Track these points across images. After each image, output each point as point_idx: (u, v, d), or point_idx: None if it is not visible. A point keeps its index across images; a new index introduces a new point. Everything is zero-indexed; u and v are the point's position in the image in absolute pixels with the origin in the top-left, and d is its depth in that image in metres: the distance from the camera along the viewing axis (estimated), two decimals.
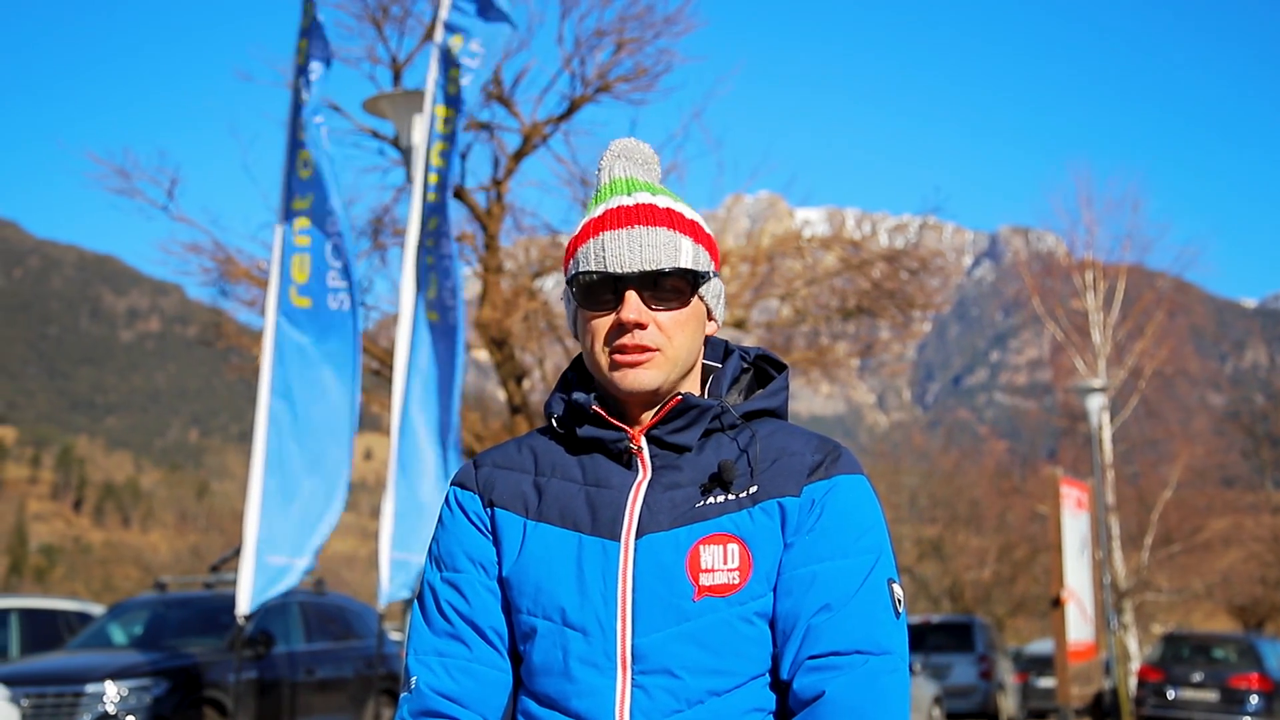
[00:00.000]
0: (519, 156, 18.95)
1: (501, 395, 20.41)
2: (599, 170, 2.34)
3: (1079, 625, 16.87)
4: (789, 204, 25.43)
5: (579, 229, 2.24)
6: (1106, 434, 30.61)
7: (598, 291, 2.17)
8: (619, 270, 2.14)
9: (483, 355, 20.11)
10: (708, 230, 2.26)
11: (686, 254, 2.17)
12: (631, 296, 2.14)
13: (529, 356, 20.37)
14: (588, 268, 2.17)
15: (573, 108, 18.83)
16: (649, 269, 2.14)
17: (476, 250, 18.92)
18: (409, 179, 12.18)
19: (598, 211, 2.23)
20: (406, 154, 12.19)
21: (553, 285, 22.46)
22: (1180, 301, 34.01)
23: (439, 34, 10.37)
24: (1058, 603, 16.16)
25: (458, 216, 18.41)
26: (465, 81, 10.26)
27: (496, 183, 18.88)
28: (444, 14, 10.34)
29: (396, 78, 18.76)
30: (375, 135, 18.83)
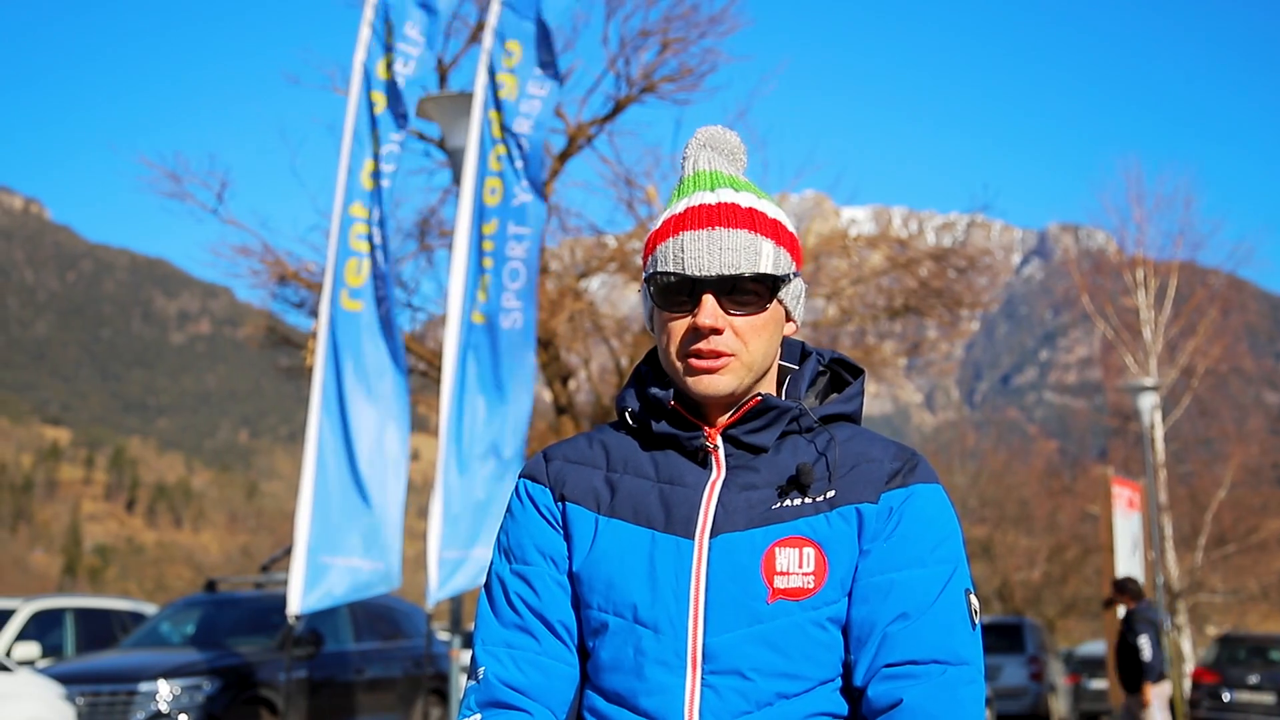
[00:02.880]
0: (564, 157, 18.98)
1: (547, 396, 20.45)
2: (683, 158, 2.28)
3: None
4: (835, 203, 25.39)
5: (659, 224, 2.20)
6: (1159, 433, 30.35)
7: (675, 293, 2.13)
8: (697, 273, 2.10)
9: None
10: (791, 229, 2.22)
11: (767, 258, 2.12)
12: (708, 301, 2.10)
13: (574, 357, 20.40)
14: (665, 268, 2.13)
15: (617, 108, 18.84)
16: (727, 273, 2.09)
17: None
18: (455, 181, 12.21)
19: (679, 208, 2.18)
20: (453, 156, 12.20)
21: (598, 286, 22.48)
22: (1234, 299, 33.63)
23: (487, 39, 10.38)
24: (1109, 604, 16.04)
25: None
26: (538, 91, 10.28)
27: (542, 183, 18.92)
28: (492, 20, 10.34)
29: (442, 80, 18.83)
30: (421, 137, 18.91)
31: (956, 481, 43.93)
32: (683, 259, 2.11)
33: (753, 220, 2.14)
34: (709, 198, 2.17)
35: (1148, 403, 23.12)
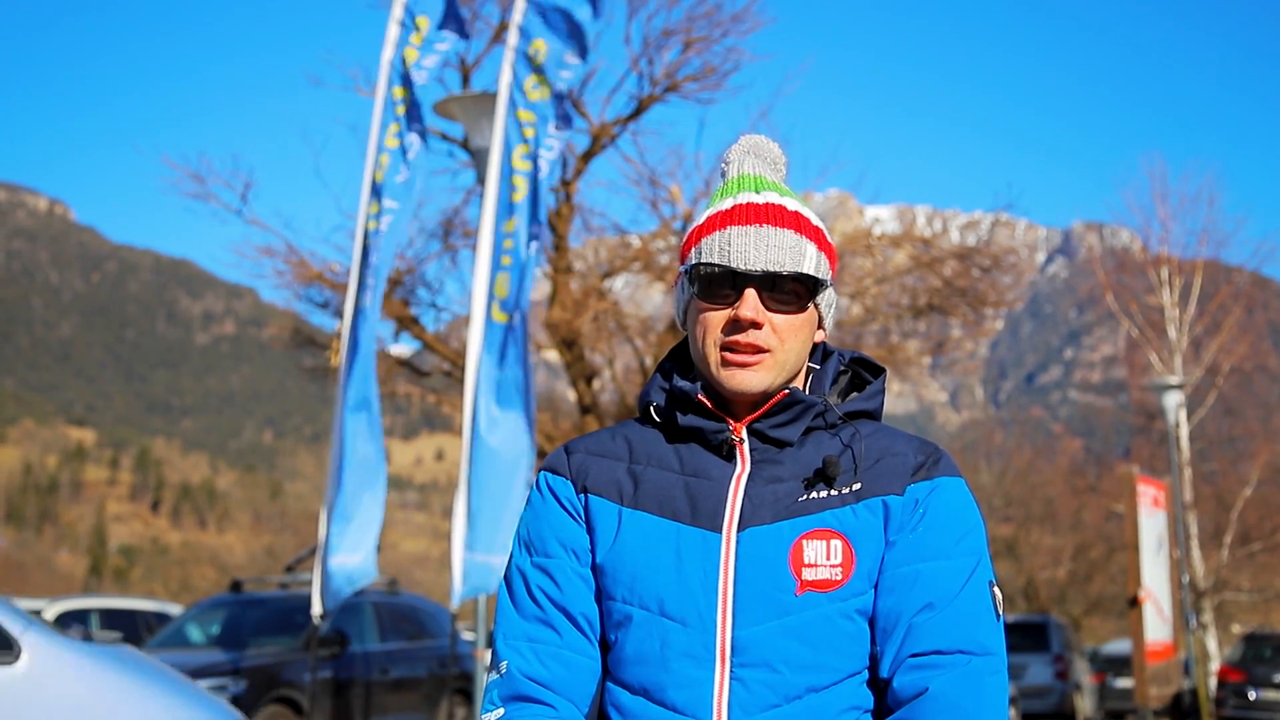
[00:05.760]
0: (588, 157, 18.97)
1: (571, 396, 20.46)
2: (725, 163, 2.33)
3: (1156, 625, 16.66)
4: (858, 202, 25.27)
5: (703, 219, 2.23)
6: (1183, 431, 30.21)
7: (717, 285, 2.16)
8: (742, 267, 2.13)
9: (552, 356, 20.20)
10: (830, 239, 2.26)
11: (810, 260, 2.16)
12: (751, 294, 2.13)
13: (598, 357, 20.39)
14: (710, 260, 2.16)
15: (641, 108, 18.83)
16: (772, 269, 2.13)
17: (546, 251, 18.98)
18: (479, 181, 12.22)
19: (725, 204, 2.21)
20: (476, 156, 12.21)
21: (622, 285, 22.47)
22: (1258, 296, 33.43)
23: (512, 37, 10.38)
24: (1135, 602, 15.97)
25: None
26: (560, 86, 10.25)
27: (565, 184, 18.92)
28: (518, 18, 10.34)
29: (465, 79, 18.85)
30: (444, 138, 18.92)
31: (982, 480, 43.83)
32: (729, 252, 2.14)
33: (798, 223, 2.18)
34: (756, 198, 2.20)
35: (1173, 401, 23.02)
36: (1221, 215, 46.80)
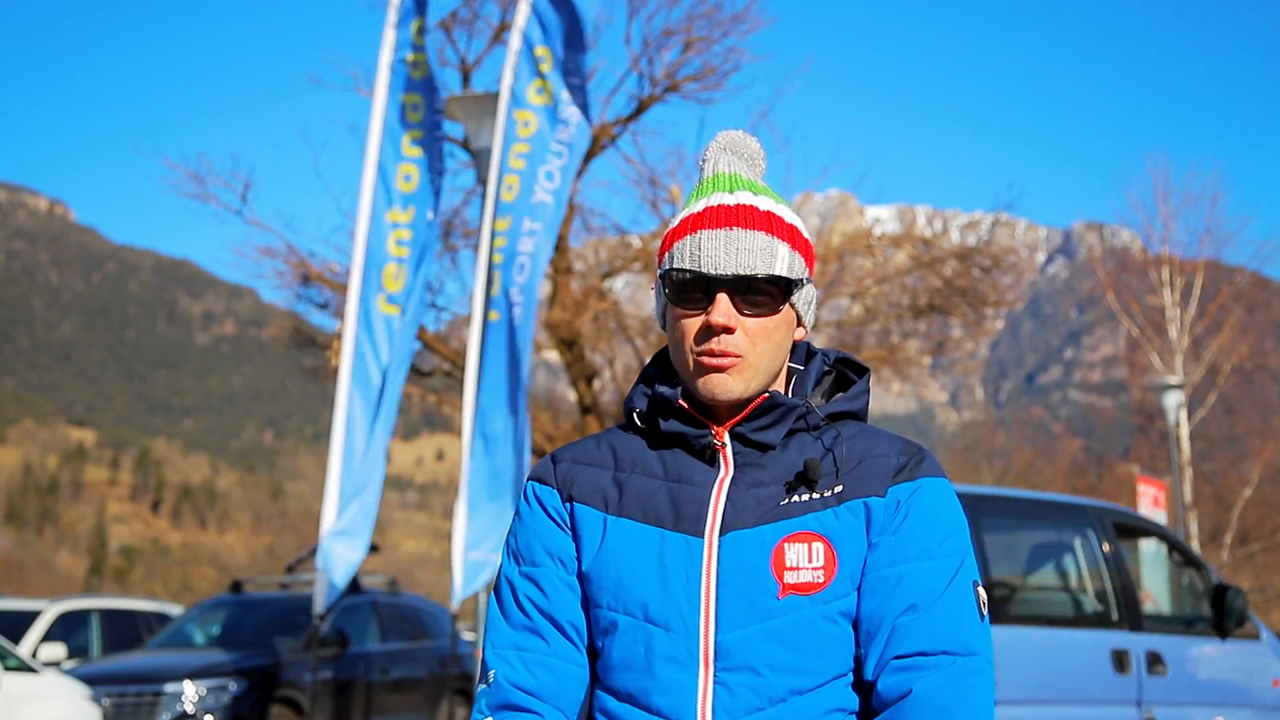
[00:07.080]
0: (588, 157, 18.96)
1: (572, 396, 20.46)
2: (703, 160, 2.30)
3: None
4: (859, 202, 25.28)
5: (677, 222, 2.22)
6: (1184, 431, 30.20)
7: (689, 290, 2.15)
8: (712, 272, 2.11)
9: (553, 356, 20.21)
10: (806, 235, 2.24)
11: (782, 261, 2.14)
12: (722, 299, 2.12)
13: (599, 357, 20.41)
14: (681, 265, 2.15)
15: (641, 108, 18.84)
16: (742, 273, 2.11)
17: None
18: (480, 181, 12.22)
19: (698, 207, 2.20)
20: (477, 156, 12.21)
21: (622, 286, 22.47)
22: (1259, 296, 33.47)
23: (515, 40, 10.39)
24: None
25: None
26: (567, 99, 10.25)
27: None
28: (521, 21, 10.35)
29: (465, 80, 18.85)
30: (445, 138, 18.93)
31: (983, 480, 43.84)
32: (699, 257, 2.13)
33: (770, 223, 2.16)
34: (728, 199, 2.19)
35: (1173, 401, 23.00)
36: (1224, 215, 46.86)
